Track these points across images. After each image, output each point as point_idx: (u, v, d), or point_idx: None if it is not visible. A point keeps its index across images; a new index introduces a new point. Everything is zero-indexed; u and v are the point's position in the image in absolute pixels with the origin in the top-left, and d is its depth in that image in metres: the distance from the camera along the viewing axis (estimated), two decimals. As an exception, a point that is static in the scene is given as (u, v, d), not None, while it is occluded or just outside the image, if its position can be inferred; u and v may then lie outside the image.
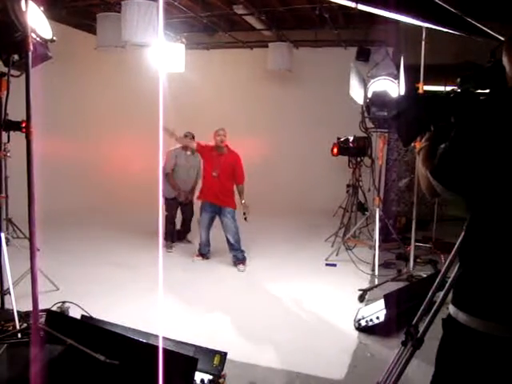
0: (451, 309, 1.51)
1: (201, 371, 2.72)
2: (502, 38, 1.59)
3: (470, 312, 1.44)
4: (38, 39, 3.16)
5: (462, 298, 1.49)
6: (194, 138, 6.20)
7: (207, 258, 5.70)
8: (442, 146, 1.54)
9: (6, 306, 3.67)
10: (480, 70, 1.69)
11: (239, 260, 5.49)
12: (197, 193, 5.98)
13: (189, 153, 6.17)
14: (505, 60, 1.53)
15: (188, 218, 6.46)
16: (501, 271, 1.41)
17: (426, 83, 4.87)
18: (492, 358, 1.43)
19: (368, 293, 4.53)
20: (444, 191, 1.48)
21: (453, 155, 1.46)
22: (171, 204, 6.18)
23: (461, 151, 1.43)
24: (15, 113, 3.79)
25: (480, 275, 1.46)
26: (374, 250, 5.22)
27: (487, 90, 1.68)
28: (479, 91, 1.69)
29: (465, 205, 1.51)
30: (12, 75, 3.27)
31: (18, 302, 3.46)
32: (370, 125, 5.57)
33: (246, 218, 5.36)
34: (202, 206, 5.59)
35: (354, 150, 6.13)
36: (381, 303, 3.73)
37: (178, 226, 6.54)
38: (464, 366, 1.48)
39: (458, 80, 1.76)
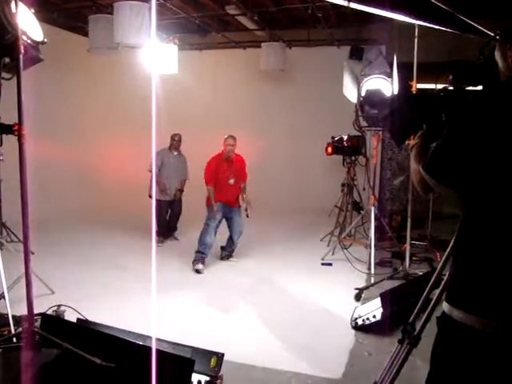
0: (445, 306, 1.51)
1: (198, 373, 2.71)
2: (492, 35, 1.60)
3: (464, 309, 1.44)
4: (28, 41, 3.13)
5: (456, 296, 1.49)
6: (180, 139, 6.50)
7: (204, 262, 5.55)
8: (435, 142, 1.54)
9: (1, 310, 3.63)
10: (471, 67, 1.69)
11: (231, 254, 5.74)
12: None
13: (175, 153, 6.50)
14: (497, 55, 1.53)
15: (176, 216, 6.64)
16: (495, 267, 1.41)
17: (419, 81, 4.88)
18: (487, 355, 1.42)
19: (364, 291, 4.53)
20: (436, 185, 1.49)
21: (445, 149, 1.46)
22: (161, 205, 6.38)
23: (453, 145, 1.44)
24: (7, 116, 3.77)
25: (474, 272, 1.45)
26: (370, 248, 5.23)
27: (479, 87, 1.69)
28: (471, 88, 1.70)
29: (459, 200, 1.51)
30: (3, 78, 3.24)
31: (12, 307, 3.43)
32: (363, 123, 5.58)
33: (247, 215, 5.51)
34: (211, 209, 5.41)
35: (349, 149, 6.14)
36: (377, 302, 3.72)
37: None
38: (459, 364, 1.48)
39: (450, 77, 1.77)
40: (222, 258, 5.74)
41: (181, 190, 6.53)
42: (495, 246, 1.41)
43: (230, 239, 5.67)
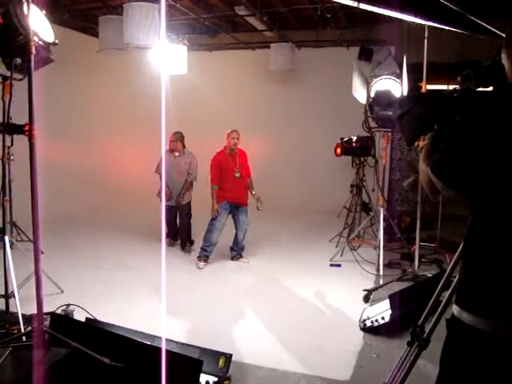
0: (455, 309, 1.50)
1: (206, 373, 2.71)
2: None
3: (474, 312, 1.43)
4: (40, 43, 3.16)
5: (465, 298, 1.48)
6: (183, 137, 6.22)
7: (207, 260, 5.64)
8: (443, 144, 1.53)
9: (11, 309, 3.67)
10: (480, 68, 1.68)
11: (241, 254, 5.74)
12: (189, 195, 6.21)
13: (177, 154, 6.21)
14: (504, 57, 1.52)
15: (184, 224, 6.23)
16: (505, 270, 1.39)
17: (428, 82, 4.85)
18: (497, 358, 1.41)
19: (373, 293, 4.51)
20: (444, 188, 1.47)
21: (453, 152, 1.44)
22: (167, 208, 6.20)
23: (462, 148, 1.42)
24: (19, 116, 3.80)
25: (483, 274, 1.44)
26: (379, 249, 5.21)
27: (490, 88, 1.67)
28: (481, 89, 1.68)
29: (466, 202, 1.50)
30: (15, 79, 3.28)
31: (22, 305, 3.46)
32: (373, 124, 5.56)
33: (258, 208, 5.54)
34: (216, 211, 5.50)
35: (358, 150, 6.12)
36: (386, 303, 3.71)
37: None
38: (469, 367, 1.47)
39: (458, 78, 1.75)
40: (232, 259, 5.76)
41: (181, 195, 6.11)
42: (505, 249, 1.40)
43: (236, 237, 5.71)
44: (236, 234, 5.71)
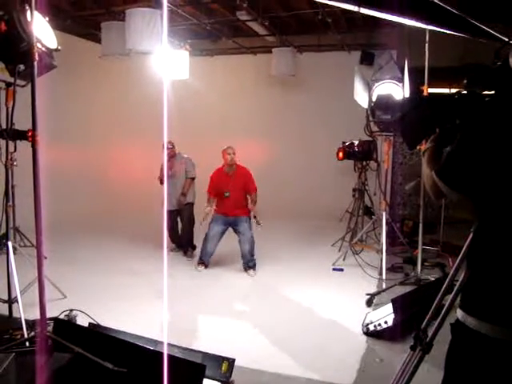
0: (459, 313, 1.50)
1: (209, 378, 2.71)
2: (507, 39, 1.58)
3: (478, 316, 1.43)
4: (43, 49, 3.18)
5: (470, 303, 1.48)
6: (174, 146, 6.21)
7: (207, 266, 5.65)
8: (448, 147, 1.53)
9: (14, 314, 3.68)
10: (487, 71, 1.68)
11: (250, 267, 5.53)
12: (191, 196, 6.18)
13: (173, 159, 6.20)
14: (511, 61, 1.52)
15: (187, 227, 6.16)
16: (510, 274, 1.39)
17: (430, 86, 4.86)
18: (502, 364, 1.41)
19: (376, 297, 4.51)
20: (449, 192, 1.47)
21: (459, 156, 1.44)
22: (169, 214, 6.09)
23: (467, 152, 1.42)
24: (22, 122, 3.82)
25: (489, 279, 1.44)
26: (381, 253, 5.20)
27: (492, 91, 1.67)
28: (485, 92, 1.68)
29: (471, 206, 1.49)
30: (18, 85, 3.30)
31: (25, 311, 3.47)
32: (374, 128, 5.56)
33: (258, 222, 5.46)
34: (213, 218, 5.59)
35: (360, 154, 6.12)
36: (389, 307, 3.70)
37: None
38: (473, 372, 1.46)
39: (465, 81, 1.75)
40: (245, 270, 5.56)
41: (183, 194, 6.09)
42: (510, 254, 1.40)
43: (242, 250, 5.51)
44: (241, 248, 5.52)
